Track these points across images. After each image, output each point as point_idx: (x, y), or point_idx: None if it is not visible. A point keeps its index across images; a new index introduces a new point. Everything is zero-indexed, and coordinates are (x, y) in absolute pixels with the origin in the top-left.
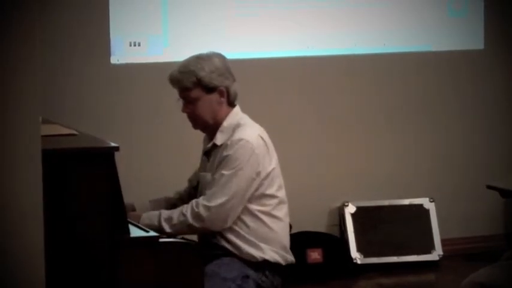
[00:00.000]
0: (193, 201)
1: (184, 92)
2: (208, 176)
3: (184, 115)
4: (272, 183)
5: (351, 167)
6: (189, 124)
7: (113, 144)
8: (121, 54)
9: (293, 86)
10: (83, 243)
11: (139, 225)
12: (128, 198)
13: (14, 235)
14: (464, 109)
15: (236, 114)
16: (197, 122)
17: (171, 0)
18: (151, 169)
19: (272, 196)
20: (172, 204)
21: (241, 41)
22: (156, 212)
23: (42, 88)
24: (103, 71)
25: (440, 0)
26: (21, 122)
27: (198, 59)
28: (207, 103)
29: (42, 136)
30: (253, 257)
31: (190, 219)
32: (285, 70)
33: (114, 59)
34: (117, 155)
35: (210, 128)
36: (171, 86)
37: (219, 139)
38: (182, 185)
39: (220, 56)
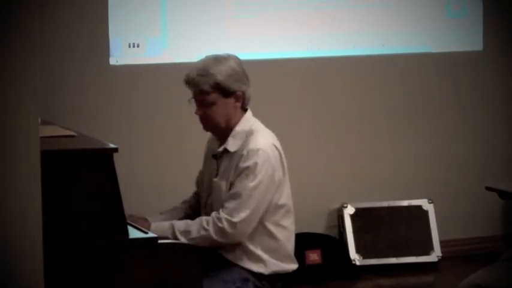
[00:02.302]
0: (214, 215)
1: (200, 95)
2: (223, 184)
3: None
4: (282, 193)
5: (349, 168)
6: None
7: (111, 146)
8: (120, 55)
9: (292, 87)
10: (82, 244)
11: (138, 226)
12: (127, 199)
13: (13, 236)
14: (463, 110)
15: (248, 120)
16: (209, 124)
17: (170, 1)
18: (151, 170)
19: (281, 205)
20: (183, 213)
21: (240, 42)
22: (167, 224)
23: (41, 89)
24: (102, 72)
25: (440, 1)
26: (20, 123)
27: (217, 61)
28: (223, 107)
29: (41, 137)
30: (253, 271)
31: (213, 235)
32: (284, 71)
33: (113, 60)
34: (116, 156)
35: (221, 131)
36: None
37: (231, 145)
38: (181, 186)
39: (237, 59)
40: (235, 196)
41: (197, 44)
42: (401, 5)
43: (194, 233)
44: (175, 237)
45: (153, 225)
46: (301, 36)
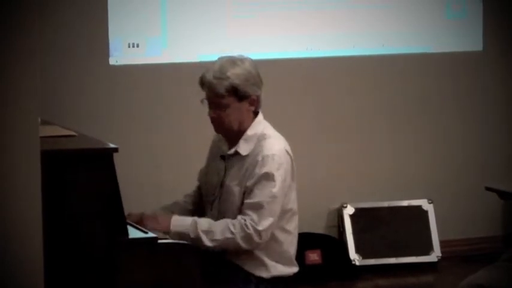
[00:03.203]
0: (242, 221)
1: (215, 98)
2: (236, 189)
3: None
4: (289, 197)
5: (349, 168)
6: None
7: (111, 146)
8: (120, 55)
9: (292, 87)
10: (82, 244)
11: (139, 227)
12: (127, 199)
13: (13, 236)
14: (463, 110)
15: (259, 123)
16: (221, 127)
17: (170, 1)
18: (150, 170)
19: (287, 210)
20: (184, 209)
21: (239, 43)
22: (189, 220)
23: (41, 89)
24: (102, 72)
25: (439, 1)
26: (20, 123)
27: (233, 64)
28: (237, 111)
29: (41, 137)
30: (255, 275)
31: (239, 239)
32: (284, 71)
33: (112, 60)
34: (116, 156)
35: (233, 133)
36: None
37: (243, 149)
38: (181, 186)
39: (252, 61)
40: (258, 206)
41: (197, 44)
42: (401, 5)
43: (218, 235)
44: (197, 235)
45: (174, 219)
46: (301, 36)
